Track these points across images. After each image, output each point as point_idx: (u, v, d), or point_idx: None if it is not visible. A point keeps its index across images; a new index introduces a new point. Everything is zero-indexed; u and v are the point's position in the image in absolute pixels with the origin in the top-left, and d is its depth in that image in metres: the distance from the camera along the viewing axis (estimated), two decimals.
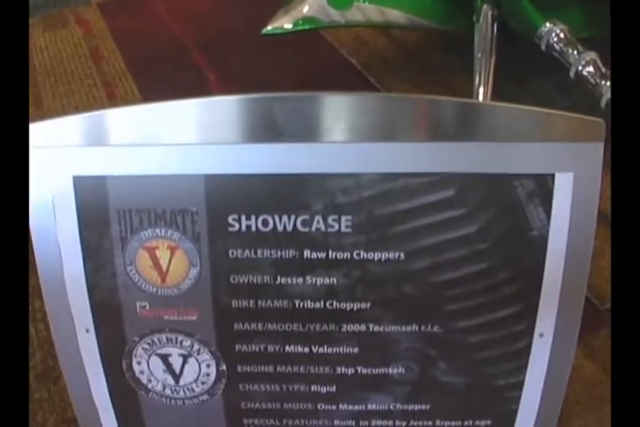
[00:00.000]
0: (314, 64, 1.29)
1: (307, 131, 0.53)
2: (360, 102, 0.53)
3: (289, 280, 0.57)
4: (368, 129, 0.53)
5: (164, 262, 0.57)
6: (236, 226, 0.56)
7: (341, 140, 0.53)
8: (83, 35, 1.54)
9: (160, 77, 1.35)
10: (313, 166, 0.53)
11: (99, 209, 0.56)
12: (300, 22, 1.10)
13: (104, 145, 0.56)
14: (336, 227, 0.55)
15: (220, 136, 0.54)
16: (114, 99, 1.30)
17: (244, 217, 0.55)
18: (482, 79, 1.00)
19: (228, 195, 0.55)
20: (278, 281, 0.57)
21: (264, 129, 0.53)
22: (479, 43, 1.03)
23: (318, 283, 0.57)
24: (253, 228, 0.56)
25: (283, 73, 1.29)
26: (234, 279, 0.57)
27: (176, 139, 0.55)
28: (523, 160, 0.53)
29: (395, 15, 1.10)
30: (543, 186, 0.53)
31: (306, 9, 1.10)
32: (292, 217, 0.55)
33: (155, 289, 0.58)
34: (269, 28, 1.11)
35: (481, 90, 1.01)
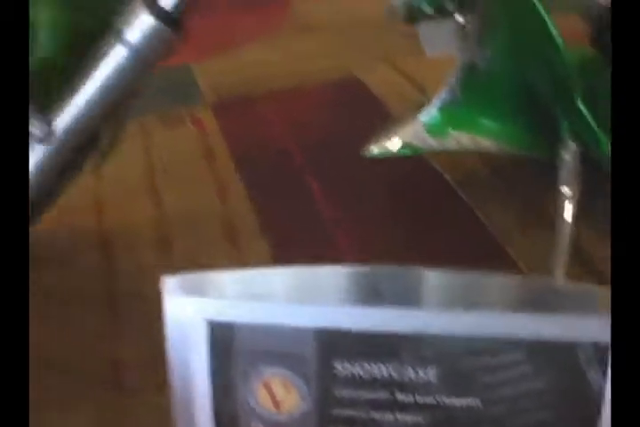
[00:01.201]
0: (407, 177, 1.40)
1: (405, 297, 0.65)
2: (454, 279, 0.64)
3: (381, 417, 0.68)
4: (458, 299, 0.64)
5: (279, 395, 0.69)
6: (339, 370, 0.67)
7: (434, 307, 0.65)
8: (197, 134, 1.68)
9: (264, 180, 1.48)
10: (407, 327, 0.64)
11: (226, 348, 0.68)
12: (401, 147, 1.22)
13: (233, 296, 0.68)
14: (423, 376, 0.66)
15: (329, 297, 0.66)
16: (224, 201, 1.43)
17: (346, 363, 0.67)
18: (565, 211, 1.10)
19: (333, 345, 0.66)
20: (372, 416, 0.68)
21: (368, 293, 0.65)
22: (563, 174, 1.13)
23: (407, 420, 0.68)
24: (354, 372, 0.67)
25: (377, 183, 1.41)
26: (335, 413, 0.69)
27: (293, 296, 0.67)
28: (583, 329, 0.63)
29: (486, 143, 1.21)
30: (600, 352, 0.63)
31: (406, 135, 1.22)
32: (387, 365, 0.66)
33: (269, 415, 0.70)
34: (374, 151, 1.23)
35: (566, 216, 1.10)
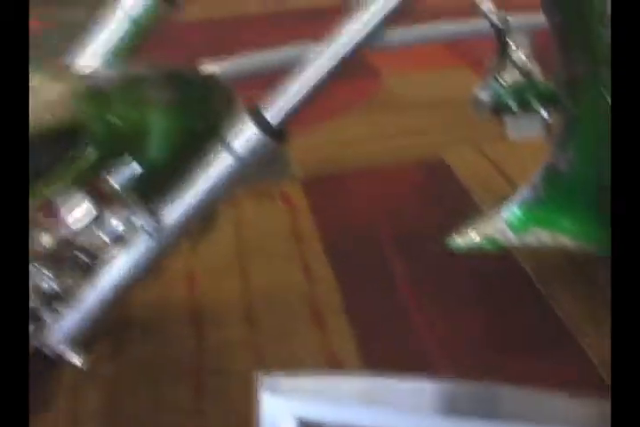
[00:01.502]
0: (488, 268, 1.45)
1: (481, 410, 0.69)
2: (528, 398, 0.69)
3: None
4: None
5: None
6: None
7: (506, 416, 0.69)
8: (286, 211, 1.75)
9: (350, 262, 1.54)
10: None
11: None
12: (484, 241, 1.27)
13: (323, 398, 0.74)
14: None
15: (411, 405, 0.71)
16: (310, 280, 1.49)
17: None
18: None
19: None
20: None
21: (448, 406, 0.70)
22: None
23: None
24: None
25: (459, 273, 1.46)
26: None
27: (376, 401, 0.72)
28: None
29: (565, 241, 1.25)
30: None
31: (488, 229, 1.27)
32: None
33: None
34: (457, 243, 1.29)
35: None
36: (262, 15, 3.27)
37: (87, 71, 0.92)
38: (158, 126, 0.91)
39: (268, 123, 0.90)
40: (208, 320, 1.43)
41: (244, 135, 0.90)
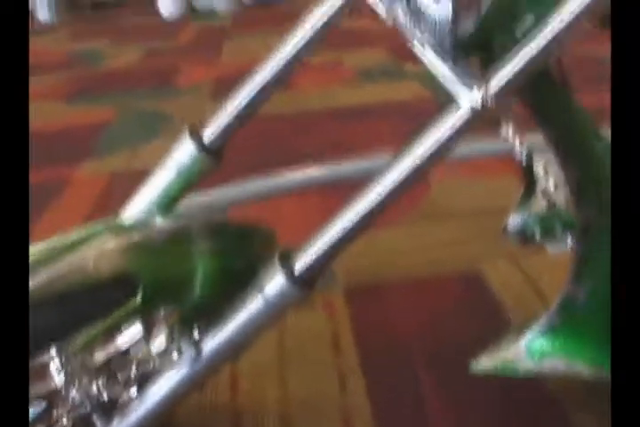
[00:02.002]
0: (517, 388, 1.52)
1: None
2: None
3: None
4: None
5: None
6: None
7: None
8: (326, 319, 1.85)
9: (385, 376, 1.62)
10: None
11: None
12: (502, 367, 1.35)
13: None
14: None
15: None
16: (344, 390, 1.58)
17: None
18: None
19: None
20: None
21: None
22: None
23: None
24: None
25: (486, 393, 1.53)
26: None
27: None
28: None
29: (582, 369, 1.33)
30: None
31: (508, 355, 1.35)
32: None
33: None
34: (478, 366, 1.37)
35: None
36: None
37: (139, 222, 1.04)
38: (202, 274, 1.02)
39: (295, 273, 0.99)
40: (247, 423, 1.53)
41: (274, 282, 0.99)
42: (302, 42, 1.04)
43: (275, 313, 1.01)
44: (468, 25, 0.92)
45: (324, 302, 1.93)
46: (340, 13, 1.02)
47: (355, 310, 1.88)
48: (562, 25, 0.87)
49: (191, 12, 7.14)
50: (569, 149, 1.17)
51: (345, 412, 1.54)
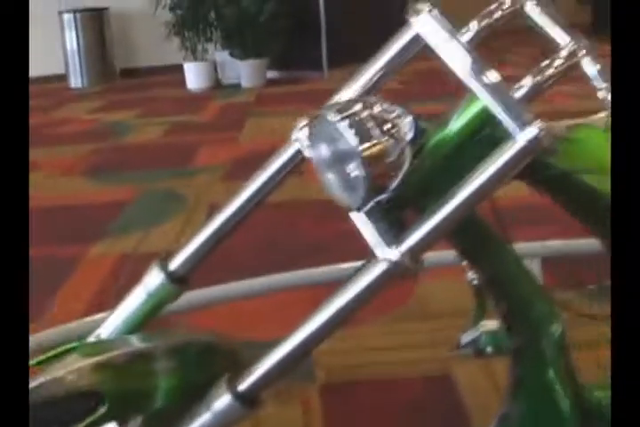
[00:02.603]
0: None
1: None
2: None
3: None
4: None
5: None
6: None
7: None
8: (300, 415, 1.97)
9: None
10: None
11: None
12: None
13: None
14: None
15: None
16: None
17: None
18: None
19: None
20: None
21: None
22: None
23: None
24: None
25: None
26: None
27: None
28: None
29: None
30: None
31: None
32: None
33: None
34: None
35: None
36: None
37: (108, 342, 1.19)
38: (163, 390, 1.15)
39: (240, 392, 1.10)
40: None
41: (221, 400, 1.10)
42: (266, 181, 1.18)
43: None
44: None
45: (302, 398, 2.05)
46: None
47: (328, 406, 2.00)
48: (475, 188, 1.00)
49: (217, 86, 7.34)
50: (496, 285, 1.31)
51: None
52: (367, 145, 0.99)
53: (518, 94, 1.02)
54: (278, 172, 1.18)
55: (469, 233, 1.23)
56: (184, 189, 3.94)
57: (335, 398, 2.05)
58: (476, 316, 1.49)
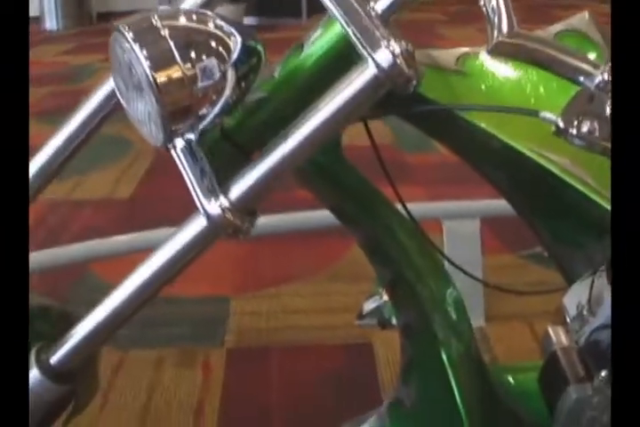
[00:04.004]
0: None
1: None
2: None
3: None
4: None
5: None
6: None
7: None
8: (201, 380, 1.80)
9: None
10: None
11: None
12: None
13: None
14: None
15: None
16: None
17: None
18: None
19: None
20: None
21: None
22: None
23: None
24: None
25: None
26: None
27: None
28: None
29: None
30: None
31: None
32: None
33: None
34: None
35: None
36: None
37: None
38: None
39: (48, 365, 0.93)
40: None
41: (31, 375, 0.93)
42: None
43: (35, 406, 0.94)
44: None
45: (204, 362, 1.88)
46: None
47: (232, 373, 1.83)
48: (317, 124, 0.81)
49: None
50: (379, 253, 1.13)
51: None
52: (163, 68, 0.79)
53: (378, 9, 0.81)
54: (95, 112, 0.99)
55: (346, 193, 1.06)
56: (131, 135, 3.74)
57: (241, 364, 1.88)
58: (377, 285, 1.33)
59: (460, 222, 1.96)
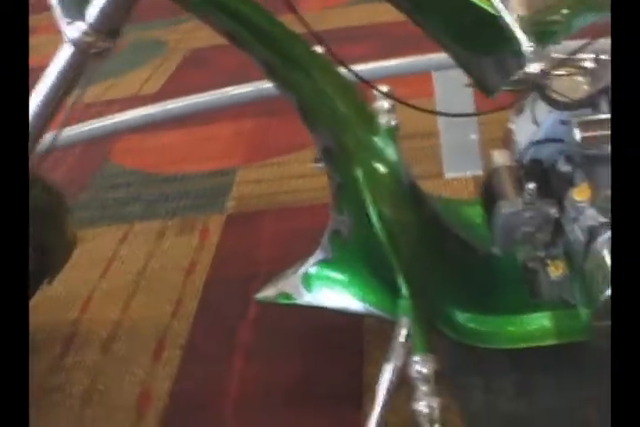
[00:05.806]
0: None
1: None
2: None
3: None
4: None
5: None
6: None
7: None
8: (197, 244, 1.85)
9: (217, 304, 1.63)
10: None
11: None
12: (280, 297, 1.34)
13: None
14: None
15: None
16: (173, 316, 1.60)
17: None
18: None
19: None
20: None
21: None
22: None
23: None
24: None
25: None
26: None
27: None
28: None
29: (345, 302, 1.29)
30: None
31: (285, 286, 1.34)
32: None
33: None
34: (259, 296, 1.36)
35: None
36: None
37: None
38: None
39: None
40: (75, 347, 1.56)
41: None
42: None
43: None
44: None
45: (203, 228, 1.93)
46: None
47: (227, 236, 1.88)
48: None
49: None
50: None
51: (163, 336, 1.55)
52: None
53: None
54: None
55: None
56: (167, 36, 3.76)
57: (237, 227, 1.92)
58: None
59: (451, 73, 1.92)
